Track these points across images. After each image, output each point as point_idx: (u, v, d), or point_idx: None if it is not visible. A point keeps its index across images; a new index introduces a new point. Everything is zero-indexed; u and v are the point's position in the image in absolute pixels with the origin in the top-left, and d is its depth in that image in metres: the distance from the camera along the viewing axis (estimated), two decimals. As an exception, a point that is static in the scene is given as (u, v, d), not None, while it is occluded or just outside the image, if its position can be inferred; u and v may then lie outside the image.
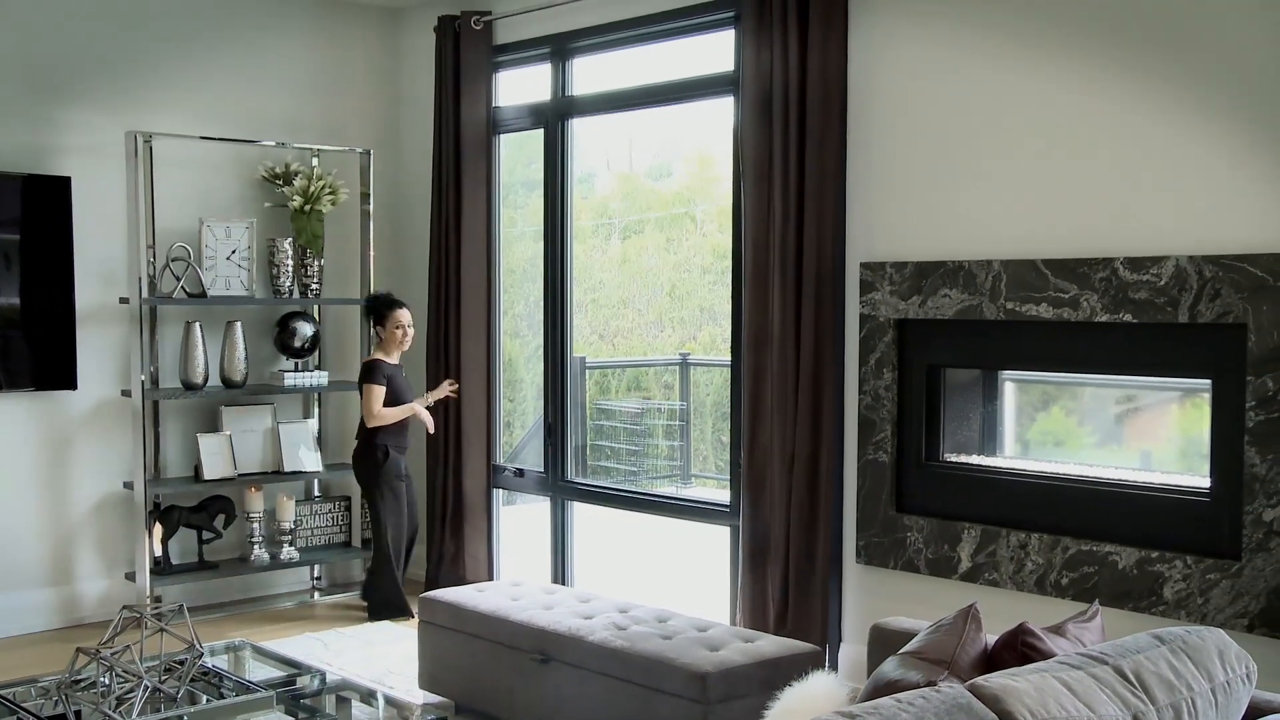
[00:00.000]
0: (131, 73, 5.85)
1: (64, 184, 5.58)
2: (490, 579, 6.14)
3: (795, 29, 4.71)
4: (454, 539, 6.18)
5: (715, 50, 5.33)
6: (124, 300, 5.69)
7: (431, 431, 5.89)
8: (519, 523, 6.70)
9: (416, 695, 4.64)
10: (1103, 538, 4.09)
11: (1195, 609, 3.84)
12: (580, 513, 6.14)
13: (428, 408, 5.94)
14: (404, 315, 5.85)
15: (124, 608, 3.65)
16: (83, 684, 3.50)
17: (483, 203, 6.09)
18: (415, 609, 5.86)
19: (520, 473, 6.27)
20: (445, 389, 6.02)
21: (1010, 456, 4.69)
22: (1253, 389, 3.72)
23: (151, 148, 5.75)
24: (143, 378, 5.67)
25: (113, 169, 5.70)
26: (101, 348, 5.78)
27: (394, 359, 5.89)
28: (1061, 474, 4.32)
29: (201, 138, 5.93)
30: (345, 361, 6.50)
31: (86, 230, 5.68)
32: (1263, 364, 3.70)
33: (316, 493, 6.47)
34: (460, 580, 6.03)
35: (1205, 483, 3.94)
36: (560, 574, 6.04)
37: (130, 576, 5.75)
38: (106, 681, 3.42)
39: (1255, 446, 3.72)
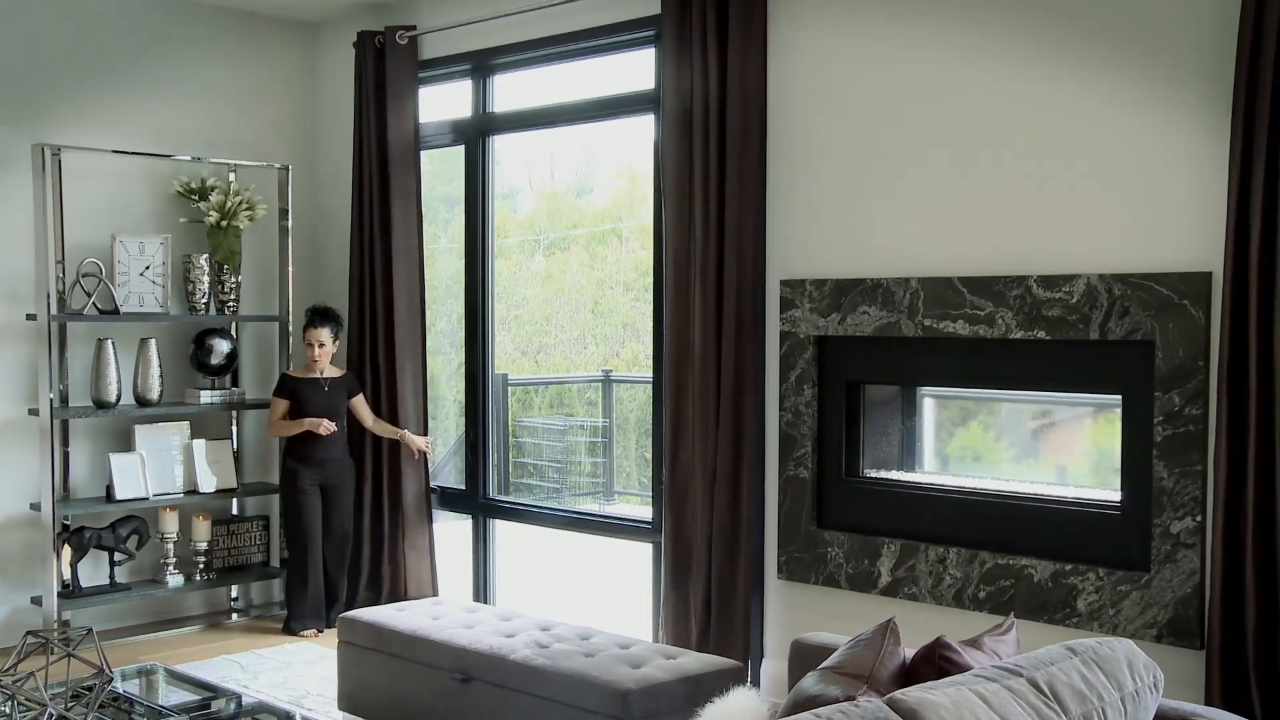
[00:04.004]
0: (39, 84, 5.71)
1: (-32, 197, 5.45)
2: (434, 594, 6.05)
3: (715, 48, 4.74)
4: (386, 557, 6.11)
5: (636, 68, 5.35)
6: (31, 317, 5.55)
7: (322, 433, 5.81)
8: (440, 541, 6.63)
9: (336, 717, 4.57)
10: (1019, 551, 4.15)
11: (1107, 620, 3.92)
12: (502, 530, 6.10)
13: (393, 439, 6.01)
14: (312, 334, 5.86)
15: (28, 632, 3.55)
16: (-16, 713, 3.40)
17: (408, 219, 6.04)
18: (325, 625, 5.89)
19: (442, 490, 6.22)
20: (412, 439, 5.96)
21: (929, 472, 4.75)
22: (1160, 405, 3.81)
23: (60, 161, 5.62)
24: (51, 396, 5.53)
25: (19, 182, 5.57)
26: (7, 365, 5.62)
27: (313, 373, 5.88)
28: (979, 489, 4.39)
29: (114, 151, 5.81)
30: (263, 379, 6.40)
31: (-9, 245, 5.54)
32: (1169, 380, 3.79)
33: (234, 512, 6.36)
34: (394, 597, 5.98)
35: (1117, 496, 4.03)
36: (482, 592, 5.99)
37: (36, 600, 5.59)
38: (8, 711, 3.32)
39: (1163, 461, 3.81)
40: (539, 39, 5.58)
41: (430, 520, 6.06)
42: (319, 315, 5.90)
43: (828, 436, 4.66)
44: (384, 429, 6.00)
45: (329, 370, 5.95)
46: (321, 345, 5.86)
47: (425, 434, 6.05)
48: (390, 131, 5.99)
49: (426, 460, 6.04)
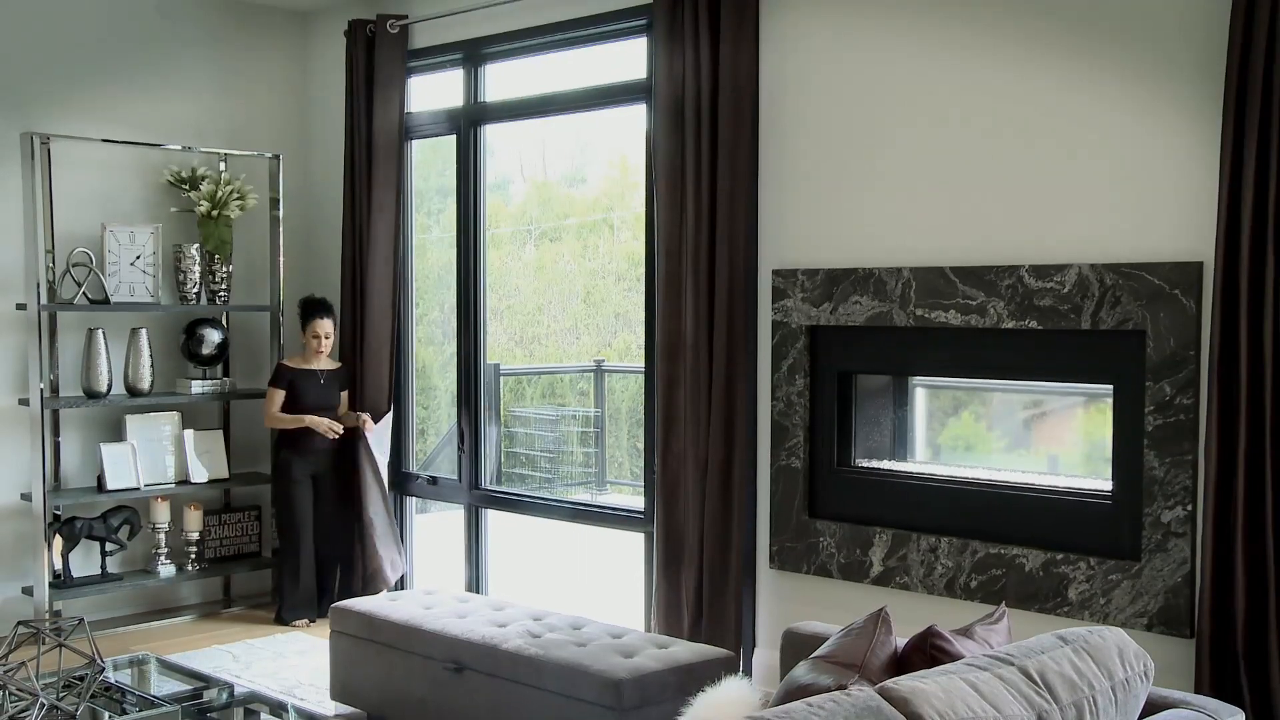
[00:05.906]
0: (27, 73, 5.68)
1: (-43, 186, 5.42)
2: (403, 588, 6.07)
3: (706, 37, 4.73)
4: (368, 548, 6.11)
5: (628, 57, 5.34)
6: (21, 306, 5.53)
7: (330, 436, 5.83)
8: (433, 531, 6.64)
9: (328, 707, 4.57)
10: (1011, 541, 4.16)
11: (1098, 609, 3.93)
12: (495, 520, 6.10)
13: (347, 427, 5.95)
14: (319, 325, 5.86)
15: (20, 622, 3.54)
16: (-25, 703, 3.39)
17: (386, 210, 6.01)
18: (317, 615, 5.89)
19: (434, 480, 6.22)
20: (355, 418, 5.97)
21: (921, 461, 4.76)
22: (1151, 394, 3.82)
23: (49, 150, 5.60)
24: (42, 385, 5.51)
25: (8, 172, 5.54)
26: (-3, 355, 5.62)
27: (310, 364, 5.87)
28: (971, 478, 4.39)
29: (103, 140, 5.78)
30: (254, 369, 6.39)
31: (-20, 234, 5.51)
32: (1160, 370, 3.80)
33: (225, 502, 6.35)
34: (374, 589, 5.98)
35: (1108, 486, 4.04)
36: (474, 582, 5.99)
37: (27, 591, 5.58)
38: None
39: (1154, 450, 3.82)
40: (531, 28, 5.56)
41: (390, 516, 6.05)
42: (321, 306, 5.90)
43: (820, 426, 4.67)
44: (346, 419, 6.01)
45: (326, 362, 5.94)
46: (327, 336, 5.86)
47: (378, 419, 6.01)
48: (377, 121, 5.97)
49: (379, 471, 6.00)
